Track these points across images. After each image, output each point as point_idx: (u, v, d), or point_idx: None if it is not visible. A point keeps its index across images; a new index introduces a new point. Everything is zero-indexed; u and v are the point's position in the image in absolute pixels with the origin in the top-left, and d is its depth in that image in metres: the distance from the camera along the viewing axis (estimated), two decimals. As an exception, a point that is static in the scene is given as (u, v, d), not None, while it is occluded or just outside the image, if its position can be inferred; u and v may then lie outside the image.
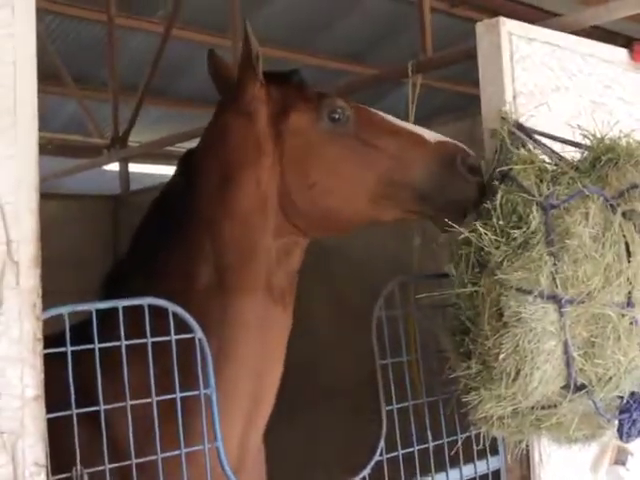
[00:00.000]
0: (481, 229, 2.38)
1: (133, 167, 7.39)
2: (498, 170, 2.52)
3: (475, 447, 2.73)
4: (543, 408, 2.44)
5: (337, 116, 2.60)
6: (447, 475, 2.73)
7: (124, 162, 7.12)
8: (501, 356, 2.30)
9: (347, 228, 2.73)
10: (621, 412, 2.57)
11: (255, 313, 2.54)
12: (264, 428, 2.69)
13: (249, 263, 2.55)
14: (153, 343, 2.12)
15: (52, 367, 1.86)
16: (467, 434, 2.70)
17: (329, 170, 2.56)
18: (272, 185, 2.55)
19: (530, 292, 2.30)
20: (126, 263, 2.79)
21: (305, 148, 2.57)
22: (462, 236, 2.42)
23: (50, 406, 1.82)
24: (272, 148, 2.56)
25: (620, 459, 2.94)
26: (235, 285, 2.53)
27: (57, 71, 7.69)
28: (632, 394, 2.53)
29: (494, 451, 2.83)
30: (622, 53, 3.34)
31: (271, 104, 2.61)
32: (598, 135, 2.63)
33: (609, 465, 2.96)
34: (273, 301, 2.57)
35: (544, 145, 2.71)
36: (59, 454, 1.88)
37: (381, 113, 2.72)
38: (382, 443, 2.57)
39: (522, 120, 2.71)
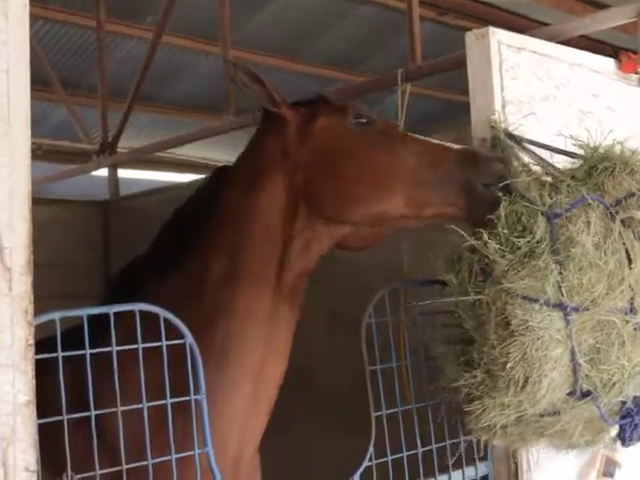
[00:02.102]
0: (486, 238, 2.40)
1: (122, 173, 7.39)
2: (502, 183, 2.52)
3: (464, 453, 2.74)
4: (548, 415, 2.45)
5: (364, 119, 2.71)
6: (436, 481, 2.74)
7: (113, 168, 7.11)
8: (509, 365, 2.31)
9: (386, 220, 2.69)
10: (622, 417, 2.58)
11: (263, 307, 2.61)
12: (263, 430, 2.72)
13: (266, 258, 2.63)
14: (157, 348, 2.14)
15: (55, 372, 1.92)
16: (456, 440, 2.71)
17: (359, 164, 2.63)
18: (298, 185, 2.65)
19: (536, 300, 2.31)
20: (143, 260, 2.87)
21: (333, 147, 2.68)
22: (466, 244, 2.43)
23: (53, 410, 1.87)
24: (298, 152, 2.68)
25: (608, 470, 2.95)
26: (247, 278, 2.61)
27: (46, 76, 7.69)
28: (634, 398, 2.55)
29: (483, 457, 2.84)
30: (609, 63, 3.38)
31: (299, 115, 2.75)
32: (591, 144, 2.66)
33: (597, 477, 2.97)
34: (282, 298, 2.64)
35: (534, 153, 2.73)
36: (62, 457, 1.92)
37: None
38: (371, 449, 2.58)
39: (511, 129, 2.73)
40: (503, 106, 2.83)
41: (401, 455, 2.67)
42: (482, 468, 2.87)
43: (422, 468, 2.70)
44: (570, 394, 2.40)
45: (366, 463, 2.56)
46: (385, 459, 2.62)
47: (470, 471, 2.83)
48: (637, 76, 3.42)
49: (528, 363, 2.29)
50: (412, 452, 2.70)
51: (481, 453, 2.79)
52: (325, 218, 2.65)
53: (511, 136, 2.72)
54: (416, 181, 2.60)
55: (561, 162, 2.78)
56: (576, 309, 2.34)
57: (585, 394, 2.39)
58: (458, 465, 2.78)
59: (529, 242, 2.37)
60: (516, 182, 2.49)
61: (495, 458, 2.87)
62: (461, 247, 2.45)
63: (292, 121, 2.73)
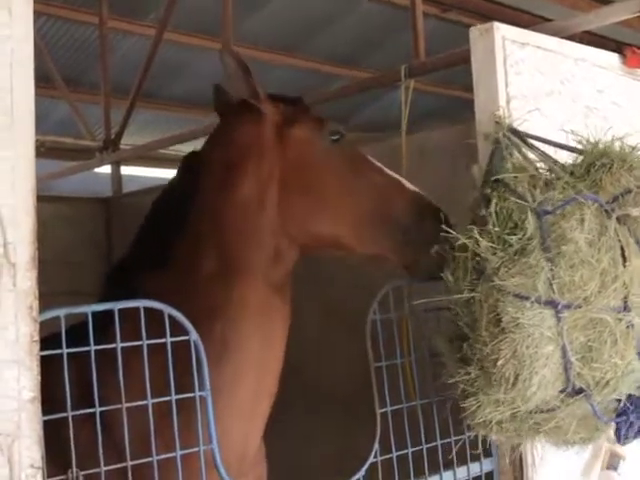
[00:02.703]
0: (477, 236, 2.39)
1: (125, 170, 7.38)
2: (492, 178, 2.53)
3: (468, 449, 2.74)
4: (542, 412, 2.45)
5: (337, 137, 2.74)
6: (441, 477, 2.74)
7: (116, 165, 7.10)
8: (500, 362, 2.31)
9: (332, 245, 2.75)
10: (618, 415, 2.58)
11: (256, 299, 2.62)
12: (265, 423, 2.73)
13: (248, 251, 2.63)
14: (158, 344, 2.14)
15: (61, 368, 1.93)
16: (461, 437, 2.71)
17: (322, 182, 2.68)
18: (271, 184, 2.65)
19: (527, 298, 2.31)
20: (131, 258, 2.86)
21: (304, 158, 2.70)
22: (459, 242, 2.43)
23: (60, 403, 1.90)
24: (273, 150, 2.68)
25: (612, 464, 2.95)
26: (236, 271, 2.62)
27: (49, 73, 7.68)
28: (629, 397, 2.54)
29: (487, 453, 2.84)
30: (614, 58, 3.36)
31: (277, 113, 2.75)
32: (592, 140, 2.65)
33: (602, 470, 2.97)
34: (272, 290, 2.65)
35: (538, 149, 2.72)
36: (68, 449, 1.94)
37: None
38: (376, 445, 2.57)
39: (516, 125, 2.72)
40: (507, 101, 2.82)
41: (406, 451, 2.67)
42: (487, 464, 2.86)
43: (427, 464, 2.69)
44: (563, 391, 2.39)
45: (371, 460, 2.56)
46: (390, 455, 2.62)
47: (475, 467, 2.82)
48: (642, 71, 3.40)
49: (519, 360, 2.29)
50: (417, 448, 2.69)
51: (486, 448, 2.78)
52: (284, 231, 2.65)
53: (515, 132, 2.71)
54: (366, 223, 2.66)
55: (566, 158, 2.77)
56: (568, 307, 2.33)
57: (578, 391, 2.38)
58: (463, 461, 2.78)
59: (520, 239, 2.37)
60: (506, 177, 2.50)
61: (500, 454, 2.86)
62: (455, 245, 2.45)
63: (271, 118, 2.72)
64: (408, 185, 2.76)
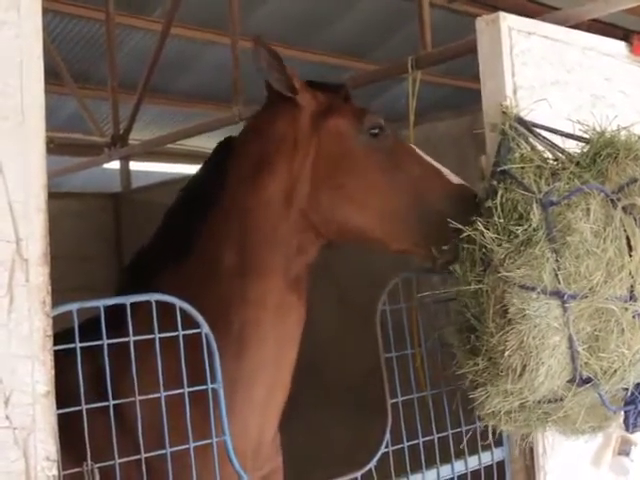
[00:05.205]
0: (482, 227, 2.40)
1: (134, 165, 7.40)
2: (498, 169, 2.53)
3: (479, 439, 2.75)
4: (550, 402, 2.46)
5: (376, 132, 2.66)
6: (452, 466, 2.75)
7: (125, 160, 7.12)
8: (506, 353, 2.32)
9: (358, 239, 2.72)
10: (626, 404, 2.59)
11: (273, 296, 2.62)
12: (279, 415, 2.76)
13: (269, 248, 2.62)
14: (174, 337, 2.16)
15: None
16: (472, 426, 2.72)
17: (357, 178, 2.61)
18: (302, 178, 2.61)
19: (533, 289, 2.32)
20: (151, 251, 2.86)
21: (339, 151, 2.63)
22: (465, 234, 2.43)
23: (77, 396, 1.94)
24: (307, 143, 2.63)
25: (624, 450, 2.97)
26: (255, 268, 2.61)
27: (57, 70, 7.70)
28: (637, 386, 2.55)
29: (498, 442, 2.85)
30: (621, 46, 3.36)
31: (315, 103, 2.70)
32: (598, 129, 2.65)
33: (613, 456, 2.98)
34: (289, 288, 2.65)
35: (545, 139, 2.73)
36: (83, 440, 1.96)
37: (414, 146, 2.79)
38: (387, 435, 2.59)
39: (523, 114, 2.72)
40: (514, 91, 2.82)
41: (417, 441, 2.69)
42: (498, 453, 2.87)
43: (438, 454, 2.71)
44: (570, 381, 2.40)
45: (382, 450, 2.57)
46: (401, 445, 2.63)
47: (486, 456, 2.84)
48: (649, 59, 3.39)
49: (525, 351, 2.30)
50: (428, 438, 2.71)
51: (496, 438, 2.79)
52: (315, 227, 2.63)
53: (522, 122, 2.71)
54: (401, 219, 2.59)
55: (573, 147, 2.77)
56: (574, 297, 2.33)
57: (585, 381, 2.39)
58: (474, 451, 2.79)
59: (525, 230, 2.36)
60: (512, 168, 2.49)
61: (510, 443, 2.87)
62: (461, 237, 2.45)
63: (307, 109, 2.67)
64: (453, 179, 2.66)
